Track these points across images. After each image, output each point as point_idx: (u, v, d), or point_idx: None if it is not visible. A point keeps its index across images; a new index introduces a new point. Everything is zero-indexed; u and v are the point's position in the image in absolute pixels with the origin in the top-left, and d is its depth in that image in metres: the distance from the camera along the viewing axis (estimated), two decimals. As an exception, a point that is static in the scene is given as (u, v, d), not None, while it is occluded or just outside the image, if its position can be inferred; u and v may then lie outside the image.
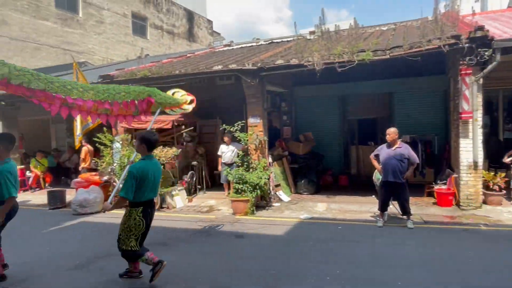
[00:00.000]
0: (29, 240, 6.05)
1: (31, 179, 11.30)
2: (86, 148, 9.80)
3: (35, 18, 16.79)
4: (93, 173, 8.99)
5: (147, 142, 3.96)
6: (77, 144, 8.58)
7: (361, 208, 7.28)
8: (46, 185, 11.44)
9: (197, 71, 8.03)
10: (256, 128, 7.89)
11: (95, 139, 8.58)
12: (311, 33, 11.01)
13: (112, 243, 5.47)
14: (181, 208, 7.94)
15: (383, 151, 6.00)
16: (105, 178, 8.25)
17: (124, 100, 4.39)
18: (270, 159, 8.19)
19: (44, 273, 4.50)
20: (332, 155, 10.67)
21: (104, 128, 8.65)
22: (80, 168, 9.96)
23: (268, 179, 7.70)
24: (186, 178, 8.71)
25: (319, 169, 9.79)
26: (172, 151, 8.53)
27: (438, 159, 8.69)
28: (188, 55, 12.25)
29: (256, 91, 7.83)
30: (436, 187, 7.34)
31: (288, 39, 11.95)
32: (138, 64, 10.14)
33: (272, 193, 8.01)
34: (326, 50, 7.24)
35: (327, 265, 4.47)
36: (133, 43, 21.44)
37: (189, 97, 5.65)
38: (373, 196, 7.92)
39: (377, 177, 6.54)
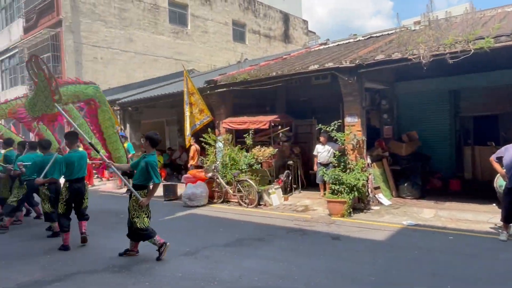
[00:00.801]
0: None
1: (150, 174, 12.87)
2: (194, 147, 10.58)
3: (153, 33, 19.21)
4: (200, 170, 9.66)
5: (150, 139, 4.89)
6: (187, 143, 9.40)
7: (477, 217, 6.35)
8: (162, 179, 12.90)
9: (293, 72, 8.07)
10: (353, 128, 7.56)
11: (201, 139, 9.29)
12: (416, 23, 10.04)
13: (217, 235, 5.97)
14: (277, 206, 8.04)
15: (508, 153, 5.12)
16: (210, 174, 8.84)
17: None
18: (368, 160, 7.76)
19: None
20: (441, 156, 9.51)
21: (209, 129, 9.37)
22: (189, 165, 10.82)
23: (367, 180, 7.30)
24: (282, 177, 8.79)
25: (425, 171, 8.86)
26: (269, 150, 8.72)
27: None
28: (284, 56, 12.40)
29: (353, 89, 7.50)
30: None
31: (389, 32, 11.10)
32: (238, 68, 10.66)
33: (371, 195, 7.57)
34: (434, 40, 6.51)
35: (435, 278, 4.03)
36: (233, 49, 22.75)
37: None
38: (494, 204, 6.84)
39: (499, 183, 5.63)
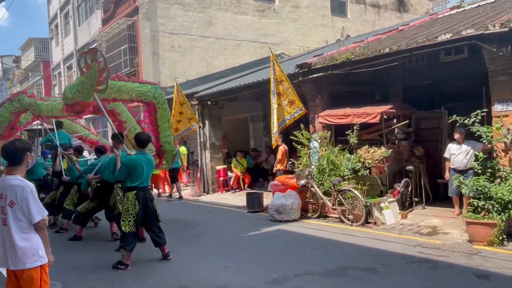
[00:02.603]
0: (230, 244, 7.03)
1: (232, 179, 13.29)
2: (283, 147, 10.64)
3: (235, 14, 19.82)
4: (290, 175, 9.62)
5: (136, 139, 6.05)
6: (273, 143, 9.38)
7: None
8: (246, 186, 13.20)
9: (415, 45, 7.36)
10: (506, 120, 6.60)
11: (292, 137, 9.17)
12: None
13: (312, 259, 5.70)
14: (392, 226, 7.55)
15: None
16: (302, 182, 8.71)
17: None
18: (530, 165, 6.64)
19: (241, 283, 5.02)
20: None
21: (301, 125, 9.19)
22: (275, 170, 10.93)
23: (529, 195, 6.23)
24: (399, 187, 8.22)
25: None
26: (381, 152, 8.22)
27: None
28: (400, 27, 11.53)
29: (507, 65, 6.51)
30: None
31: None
32: (339, 47, 10.24)
33: (535, 216, 6.43)
34: None
35: None
36: (331, 24, 22.20)
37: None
38: None
39: None
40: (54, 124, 9.09)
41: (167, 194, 13.12)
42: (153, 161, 6.36)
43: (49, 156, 9.55)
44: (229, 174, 13.54)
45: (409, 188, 8.46)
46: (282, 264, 5.62)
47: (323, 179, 8.54)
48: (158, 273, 5.53)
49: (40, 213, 3.18)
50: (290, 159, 9.91)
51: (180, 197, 12.37)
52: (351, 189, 7.89)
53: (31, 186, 3.21)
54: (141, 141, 6.02)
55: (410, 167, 8.53)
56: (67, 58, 26.66)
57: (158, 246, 5.97)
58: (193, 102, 13.21)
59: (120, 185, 6.73)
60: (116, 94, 6.93)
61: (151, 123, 7.80)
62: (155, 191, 13.19)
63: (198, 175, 13.71)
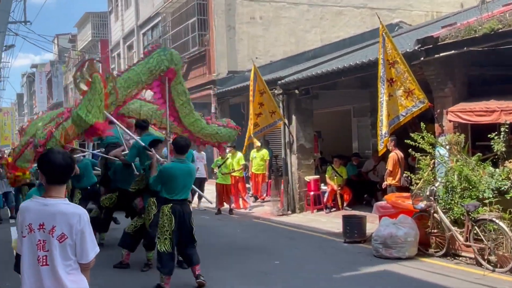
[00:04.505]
0: (315, 285, 6.91)
1: (326, 195, 13.05)
2: (395, 155, 10.25)
3: (336, -29, 19.57)
4: (405, 194, 9.27)
5: (174, 145, 6.76)
6: (380, 148, 9.11)
7: None
8: (345, 204, 12.88)
9: None
10: None
11: (408, 141, 8.79)
12: None
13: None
14: None
15: None
16: (421, 205, 8.32)
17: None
18: None
19: None
20: None
21: (421, 124, 8.81)
22: (384, 185, 10.58)
23: None
24: None
25: None
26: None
27: None
28: None
29: None
30: None
31: None
32: (480, 13, 9.49)
33: None
34: None
35: None
36: (472, -20, 20.86)
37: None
38: None
39: None
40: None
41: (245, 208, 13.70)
42: (194, 170, 6.84)
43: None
44: (323, 187, 13.38)
45: None
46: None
47: (453, 202, 8.14)
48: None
49: (94, 249, 3.15)
50: (405, 172, 9.52)
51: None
52: (494, 219, 7.37)
53: (87, 213, 3.19)
54: (179, 147, 6.55)
55: None
56: (127, 36, 28.60)
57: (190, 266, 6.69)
58: (276, 91, 13.23)
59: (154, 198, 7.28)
60: (125, 93, 7.32)
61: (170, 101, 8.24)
62: (226, 206, 13.52)
63: (282, 187, 13.69)
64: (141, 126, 8.47)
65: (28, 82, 65.49)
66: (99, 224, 9.06)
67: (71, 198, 11.33)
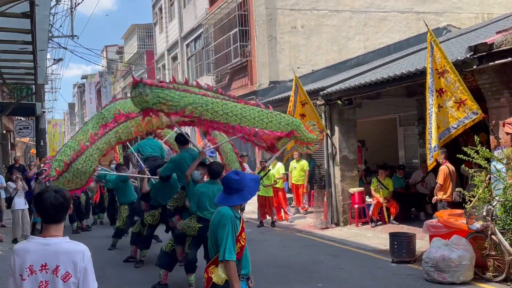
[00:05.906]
0: None
1: (372, 208, 12.47)
2: (446, 168, 9.82)
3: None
4: (457, 211, 8.77)
5: (209, 170, 6.96)
6: (429, 161, 8.64)
7: None
8: (391, 217, 12.28)
9: None
10: None
11: (460, 156, 8.27)
12: None
13: None
14: None
15: None
16: (477, 225, 7.77)
17: (263, 128, 6.70)
18: None
19: None
20: None
21: (475, 137, 8.36)
22: (434, 199, 10.15)
23: None
24: None
25: None
26: None
27: None
28: None
29: None
30: None
31: None
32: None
33: None
34: None
35: None
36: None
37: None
38: None
39: None
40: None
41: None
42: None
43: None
44: (368, 200, 12.86)
45: None
46: None
47: (512, 222, 7.57)
48: None
49: (94, 286, 3.12)
50: (457, 189, 8.97)
51: None
52: (561, 243, 6.62)
53: (88, 250, 3.15)
54: (213, 173, 6.83)
55: None
56: (171, 47, 28.89)
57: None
58: (318, 102, 12.84)
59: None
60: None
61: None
62: (268, 218, 13.22)
63: (325, 199, 13.22)
64: (180, 141, 8.26)
65: (79, 92, 67.59)
66: (141, 241, 8.97)
67: (115, 214, 11.55)
